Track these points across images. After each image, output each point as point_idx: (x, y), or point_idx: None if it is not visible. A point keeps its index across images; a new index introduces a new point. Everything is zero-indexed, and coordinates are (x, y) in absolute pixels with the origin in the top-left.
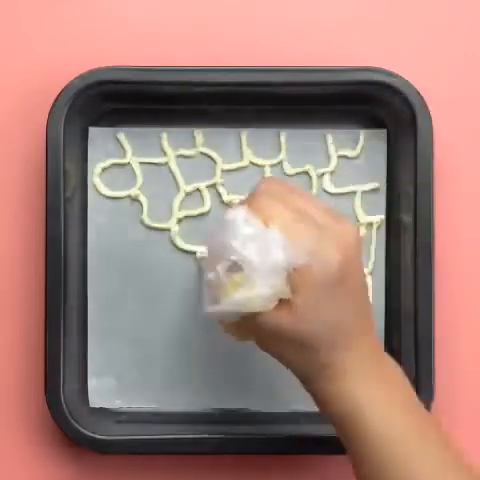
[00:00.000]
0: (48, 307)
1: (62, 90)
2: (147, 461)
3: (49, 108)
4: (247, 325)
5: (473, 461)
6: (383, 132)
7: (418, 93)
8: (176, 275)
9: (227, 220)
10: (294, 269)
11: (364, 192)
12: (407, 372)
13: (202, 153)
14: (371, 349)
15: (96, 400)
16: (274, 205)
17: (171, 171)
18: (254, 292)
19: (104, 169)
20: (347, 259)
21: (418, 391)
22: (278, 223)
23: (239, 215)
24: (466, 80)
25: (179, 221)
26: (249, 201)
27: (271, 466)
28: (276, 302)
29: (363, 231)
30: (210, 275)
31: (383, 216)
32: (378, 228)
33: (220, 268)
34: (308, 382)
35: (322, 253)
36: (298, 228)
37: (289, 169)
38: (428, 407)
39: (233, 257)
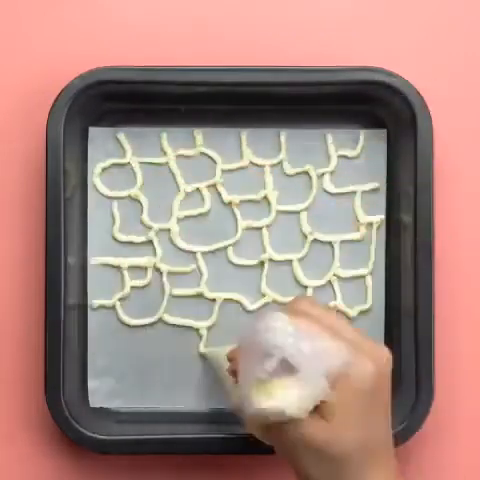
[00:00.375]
0: (48, 307)
1: (62, 90)
2: (147, 461)
3: (49, 108)
4: (276, 430)
5: (474, 461)
6: (383, 132)
7: (418, 93)
8: (176, 275)
9: (271, 320)
10: (335, 376)
11: (364, 192)
12: (407, 372)
13: (202, 153)
14: (395, 471)
15: (96, 400)
16: (304, 319)
17: (171, 171)
18: (301, 394)
19: (104, 169)
20: (381, 373)
21: (418, 391)
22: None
23: (284, 316)
24: (466, 80)
25: (179, 221)
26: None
27: (272, 466)
28: (310, 409)
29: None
30: (256, 372)
31: (383, 216)
32: (378, 228)
33: (269, 366)
34: None
35: (359, 364)
36: (335, 342)
37: (289, 169)
38: (428, 407)
39: (288, 353)
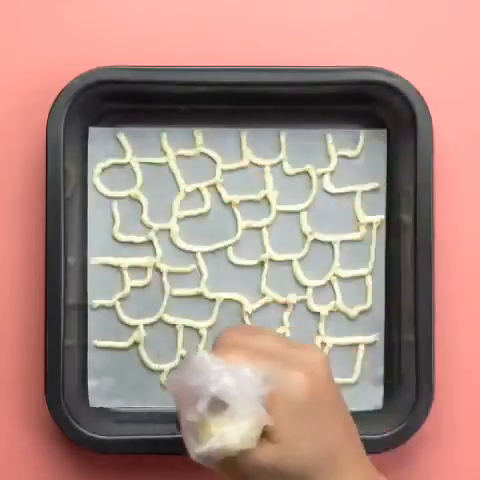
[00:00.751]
0: (48, 307)
1: (62, 90)
2: (147, 461)
3: (49, 108)
4: (233, 465)
5: (473, 462)
6: (383, 132)
7: (418, 93)
8: (176, 275)
9: (194, 363)
10: (268, 399)
11: (364, 192)
12: (407, 372)
13: (202, 153)
14: (362, 471)
15: (96, 400)
16: (232, 351)
17: (171, 171)
18: (239, 426)
19: (104, 169)
20: (315, 379)
21: (418, 391)
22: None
23: (206, 355)
24: (466, 80)
25: (179, 221)
26: (211, 350)
27: None
28: (258, 438)
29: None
30: (190, 417)
31: (383, 216)
32: (378, 228)
33: (200, 407)
34: None
35: (289, 378)
36: (259, 362)
37: (289, 169)
38: (428, 407)
39: (213, 389)
